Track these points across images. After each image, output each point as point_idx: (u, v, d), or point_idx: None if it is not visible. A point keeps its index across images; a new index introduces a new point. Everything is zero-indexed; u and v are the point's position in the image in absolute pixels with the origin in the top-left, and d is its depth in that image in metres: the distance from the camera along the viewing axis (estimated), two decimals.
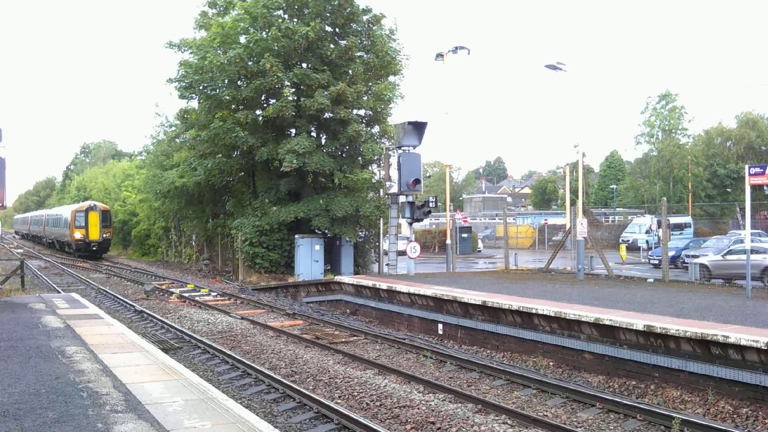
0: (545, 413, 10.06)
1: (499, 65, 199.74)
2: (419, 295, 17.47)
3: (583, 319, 12.59)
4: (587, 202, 64.54)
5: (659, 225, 30.39)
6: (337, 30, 26.46)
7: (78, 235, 45.90)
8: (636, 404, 10.11)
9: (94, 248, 46.45)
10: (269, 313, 20.84)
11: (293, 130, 26.32)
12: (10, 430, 6.54)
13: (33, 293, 22.22)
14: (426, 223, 51.32)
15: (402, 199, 24.61)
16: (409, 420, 9.48)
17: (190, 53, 27.44)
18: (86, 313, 15.69)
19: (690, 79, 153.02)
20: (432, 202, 25.16)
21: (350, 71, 25.62)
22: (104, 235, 46.92)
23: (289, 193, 26.76)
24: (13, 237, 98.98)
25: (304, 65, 25.86)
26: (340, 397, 10.83)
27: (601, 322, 12.23)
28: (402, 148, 24.57)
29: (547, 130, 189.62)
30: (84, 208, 47.13)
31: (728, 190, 60.52)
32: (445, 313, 16.47)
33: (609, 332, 12.18)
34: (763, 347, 9.76)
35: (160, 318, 18.60)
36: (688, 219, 48.36)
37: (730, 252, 22.15)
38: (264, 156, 25.49)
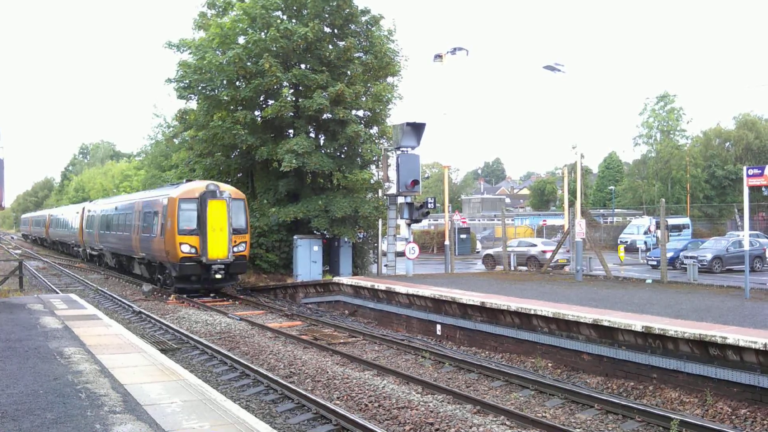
0: (544, 414, 10.07)
1: (498, 66, 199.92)
2: (418, 296, 17.47)
3: (581, 320, 12.59)
4: (585, 203, 64.58)
5: (658, 226, 30.44)
6: (335, 31, 26.49)
7: (186, 248, 22.85)
8: (634, 405, 10.12)
9: (219, 276, 23.15)
10: (268, 314, 20.83)
11: (292, 131, 26.35)
12: (8, 431, 6.53)
13: (31, 294, 22.18)
14: (424, 224, 51.31)
15: (401, 200, 24.60)
16: (407, 421, 9.47)
17: (189, 53, 27.45)
18: (84, 313, 15.68)
19: (688, 81, 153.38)
20: (430, 202, 25.15)
21: (349, 72, 25.66)
22: (236, 249, 23.53)
23: (288, 193, 26.76)
24: (12, 238, 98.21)
25: (303, 66, 25.88)
26: (338, 398, 10.82)
27: (599, 323, 12.24)
28: (400, 149, 24.57)
29: (545, 131, 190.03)
30: (196, 193, 23.27)
31: (726, 191, 60.62)
32: (444, 314, 16.47)
33: (607, 333, 12.18)
34: (761, 348, 9.77)
35: (159, 319, 18.58)
36: (686, 220, 48.45)
37: (509, 246, 31.34)
38: (263, 155, 25.50)
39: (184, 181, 26.12)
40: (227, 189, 24.02)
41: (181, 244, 22.83)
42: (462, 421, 9.39)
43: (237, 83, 26.10)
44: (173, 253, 22.97)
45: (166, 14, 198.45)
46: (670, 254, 26.45)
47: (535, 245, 29.96)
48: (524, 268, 27.83)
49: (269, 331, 17.20)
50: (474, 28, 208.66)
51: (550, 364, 13.22)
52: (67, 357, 10.24)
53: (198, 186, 23.87)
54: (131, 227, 28.10)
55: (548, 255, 28.21)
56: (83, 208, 41.71)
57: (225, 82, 26.03)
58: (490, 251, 33.03)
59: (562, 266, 28.29)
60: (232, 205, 23.46)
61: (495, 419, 9.69)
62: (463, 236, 44.41)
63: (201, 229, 22.97)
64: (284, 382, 11.22)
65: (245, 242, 23.96)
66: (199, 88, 26.97)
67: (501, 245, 29.68)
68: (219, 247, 23.06)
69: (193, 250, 22.89)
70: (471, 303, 15.45)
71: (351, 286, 21.03)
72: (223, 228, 23.15)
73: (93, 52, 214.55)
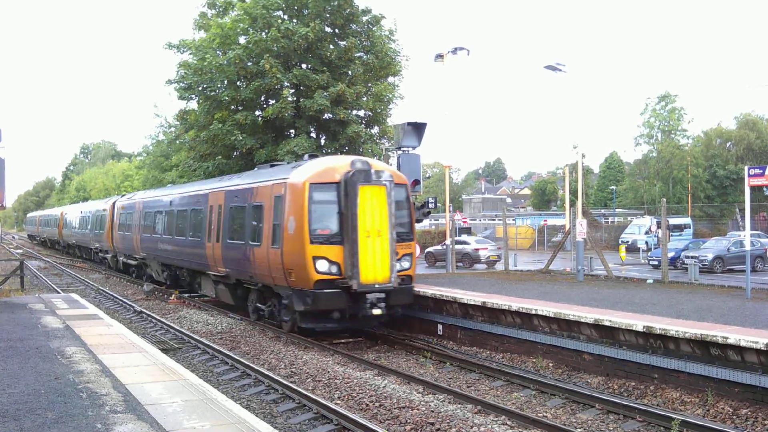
0: (545, 414, 10.07)
1: (499, 66, 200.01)
2: (419, 296, 17.45)
3: (582, 320, 12.58)
4: (587, 203, 64.58)
5: (659, 226, 30.43)
6: (336, 31, 26.45)
7: (323, 266, 14.32)
8: (635, 405, 10.12)
9: (377, 311, 14.44)
10: None
11: (293, 131, 26.31)
12: (9, 431, 6.53)
13: (32, 294, 22.20)
14: (425, 224, 51.33)
15: None
16: (408, 421, 9.47)
17: (190, 54, 27.42)
18: (85, 313, 15.69)
19: (689, 80, 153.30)
20: (431, 202, 25.07)
21: (350, 72, 25.62)
22: (401, 266, 15.41)
23: None
24: (14, 238, 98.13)
25: (304, 66, 25.85)
26: (339, 397, 10.82)
27: (600, 323, 12.23)
28: (401, 149, 24.53)
29: (546, 131, 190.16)
30: (337, 174, 14.77)
31: (728, 191, 60.61)
32: (445, 314, 16.46)
33: (608, 333, 12.18)
34: (762, 348, 9.76)
35: (160, 318, 18.59)
36: (687, 220, 48.41)
37: (445, 245, 34.44)
38: (263, 158, 25.47)
39: (306, 157, 17.75)
40: (385, 168, 15.57)
41: (315, 258, 14.33)
42: (463, 421, 9.39)
43: (237, 84, 26.07)
44: (301, 273, 14.58)
45: (167, 15, 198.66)
46: (671, 254, 26.43)
47: (469, 243, 33.50)
48: (461, 264, 31.92)
49: (270, 330, 17.20)
50: (475, 29, 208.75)
51: (551, 364, 13.21)
52: (68, 356, 10.25)
53: (338, 163, 15.26)
54: (202, 230, 20.65)
55: (480, 252, 32.42)
56: (113, 204, 33.67)
57: (225, 82, 26.00)
58: (430, 249, 35.70)
59: (494, 262, 31.65)
60: (393, 192, 14.86)
61: (496, 419, 9.69)
62: (464, 236, 44.42)
63: (347, 235, 14.46)
64: (285, 382, 11.23)
65: (411, 254, 15.95)
66: (200, 88, 26.94)
67: (439, 243, 34.05)
68: (377, 264, 14.55)
69: (334, 269, 14.47)
70: (472, 303, 15.44)
71: None
72: (382, 232, 14.56)
73: (94, 53, 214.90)
